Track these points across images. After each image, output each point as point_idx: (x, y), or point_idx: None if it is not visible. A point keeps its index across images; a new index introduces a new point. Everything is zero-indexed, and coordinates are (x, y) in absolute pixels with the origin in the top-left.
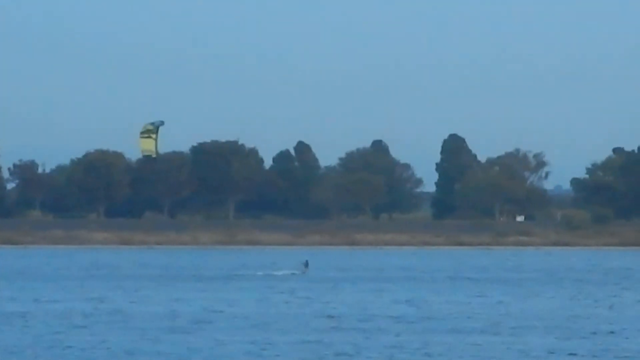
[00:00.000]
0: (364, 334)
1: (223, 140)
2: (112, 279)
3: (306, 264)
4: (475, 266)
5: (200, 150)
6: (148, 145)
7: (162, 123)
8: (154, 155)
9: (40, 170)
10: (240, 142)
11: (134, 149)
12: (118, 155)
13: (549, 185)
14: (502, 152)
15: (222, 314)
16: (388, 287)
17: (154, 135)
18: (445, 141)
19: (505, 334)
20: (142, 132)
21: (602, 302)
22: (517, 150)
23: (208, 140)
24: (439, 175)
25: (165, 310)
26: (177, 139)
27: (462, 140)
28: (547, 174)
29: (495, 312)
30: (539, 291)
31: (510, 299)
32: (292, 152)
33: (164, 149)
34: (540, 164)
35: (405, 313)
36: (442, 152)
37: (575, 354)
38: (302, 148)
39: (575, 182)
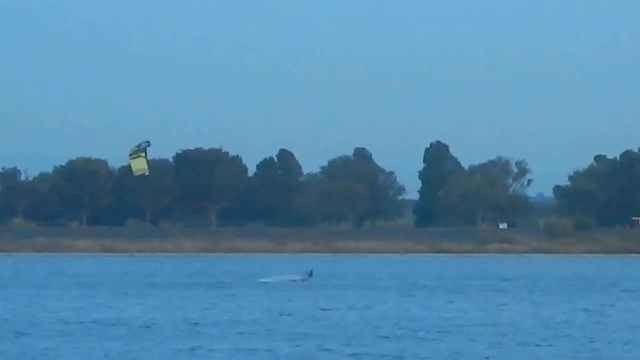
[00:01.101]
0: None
1: (206, 147)
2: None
3: (310, 273)
4: (428, 274)
5: (184, 158)
6: (139, 165)
7: (148, 144)
8: (147, 174)
9: (23, 177)
10: (223, 150)
11: (117, 157)
12: (101, 163)
13: (531, 192)
14: (484, 160)
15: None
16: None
17: (143, 154)
18: (428, 149)
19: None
20: (130, 155)
21: (493, 310)
22: (499, 158)
23: (192, 147)
24: (422, 183)
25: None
26: (161, 146)
27: (446, 148)
28: (529, 182)
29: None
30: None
31: (410, 305)
32: (275, 159)
33: (147, 156)
34: (523, 171)
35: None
36: (425, 160)
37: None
38: (285, 156)
39: (557, 189)
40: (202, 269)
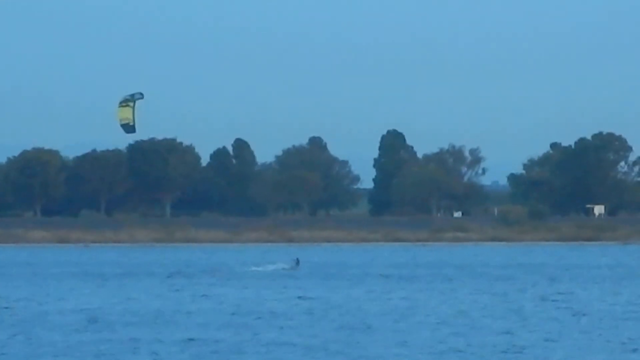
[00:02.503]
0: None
1: (160, 137)
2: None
3: (297, 262)
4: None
5: (137, 148)
6: (126, 114)
7: (141, 96)
8: (131, 123)
9: None
10: (177, 140)
11: (71, 147)
12: (54, 154)
13: (486, 180)
14: (438, 148)
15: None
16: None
17: (131, 104)
18: (383, 137)
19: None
20: (120, 102)
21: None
22: (453, 146)
23: (145, 138)
24: (377, 172)
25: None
26: (114, 136)
27: (402, 136)
28: (484, 170)
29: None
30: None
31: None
32: (230, 149)
33: (100, 146)
34: (477, 159)
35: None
36: (380, 148)
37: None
38: (240, 145)
39: (512, 177)
40: (183, 259)
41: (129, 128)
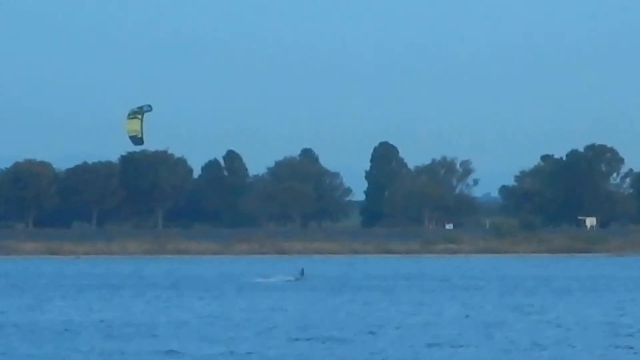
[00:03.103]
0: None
1: (152, 149)
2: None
3: (302, 272)
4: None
5: (129, 160)
6: (134, 126)
7: (150, 108)
8: (139, 136)
9: None
10: (169, 152)
11: (63, 159)
12: (46, 165)
13: (477, 192)
14: (430, 160)
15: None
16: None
17: (140, 116)
18: (375, 149)
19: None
20: (129, 115)
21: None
22: (444, 158)
23: (137, 149)
24: (368, 183)
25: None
26: (106, 148)
27: (393, 148)
28: (475, 182)
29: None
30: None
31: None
32: (222, 161)
33: (92, 158)
34: (468, 171)
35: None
36: (372, 160)
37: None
38: (232, 157)
39: (503, 189)
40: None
41: (137, 140)
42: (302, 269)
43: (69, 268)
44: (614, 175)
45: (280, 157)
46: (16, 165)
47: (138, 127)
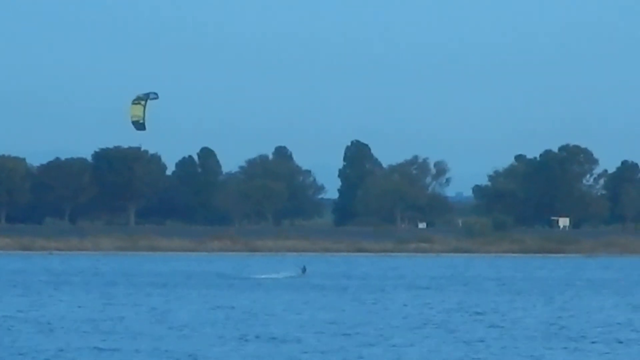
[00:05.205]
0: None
1: (125, 146)
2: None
3: (304, 269)
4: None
5: (102, 156)
6: (137, 111)
7: (156, 96)
8: (141, 121)
9: None
10: (143, 148)
11: (36, 154)
12: (20, 161)
13: (450, 192)
14: (402, 159)
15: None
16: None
17: (143, 102)
18: (348, 147)
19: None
20: (133, 100)
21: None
22: (416, 157)
23: (110, 146)
24: (341, 182)
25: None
26: (79, 144)
27: (366, 147)
28: (448, 181)
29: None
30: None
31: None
32: (196, 157)
33: (65, 154)
34: (441, 170)
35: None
36: (345, 159)
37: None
38: (206, 154)
39: (476, 189)
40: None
41: (139, 125)
42: (304, 266)
43: (37, 264)
44: (588, 176)
45: (254, 155)
46: None
47: (141, 113)
